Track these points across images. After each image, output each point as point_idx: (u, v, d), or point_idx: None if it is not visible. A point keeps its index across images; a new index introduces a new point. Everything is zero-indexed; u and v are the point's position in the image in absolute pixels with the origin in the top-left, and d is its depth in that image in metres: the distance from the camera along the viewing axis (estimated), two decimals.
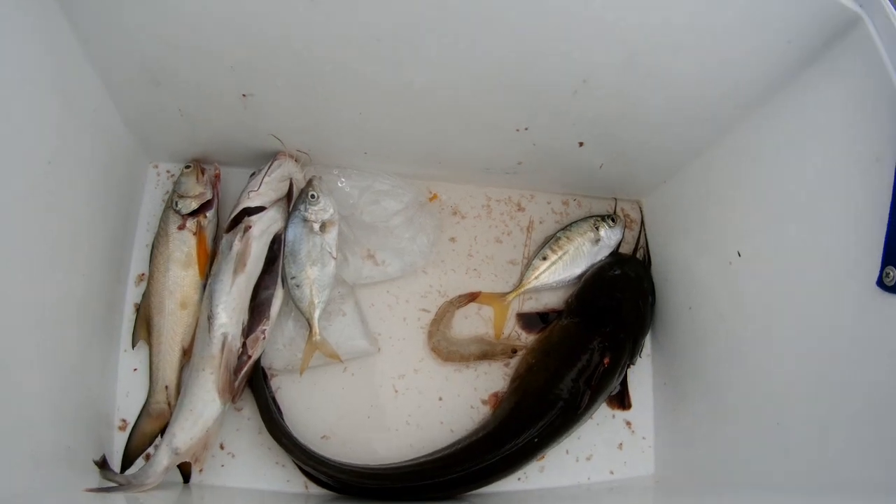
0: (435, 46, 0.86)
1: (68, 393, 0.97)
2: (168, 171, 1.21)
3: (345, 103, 1.00)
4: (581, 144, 1.06)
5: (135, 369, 1.13)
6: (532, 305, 1.17)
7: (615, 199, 1.22)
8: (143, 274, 1.17)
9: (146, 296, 1.13)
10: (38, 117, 0.85)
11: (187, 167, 1.15)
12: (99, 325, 1.08)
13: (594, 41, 0.84)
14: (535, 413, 1.05)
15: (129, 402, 1.12)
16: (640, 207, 1.23)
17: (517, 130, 1.03)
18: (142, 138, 1.15)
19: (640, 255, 1.19)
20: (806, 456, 0.84)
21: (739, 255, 0.98)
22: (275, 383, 1.10)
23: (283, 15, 0.82)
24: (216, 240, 1.15)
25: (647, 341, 1.17)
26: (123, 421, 1.11)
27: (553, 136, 1.05)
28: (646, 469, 1.15)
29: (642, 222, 1.21)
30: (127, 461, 1.09)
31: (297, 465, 1.06)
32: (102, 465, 1.03)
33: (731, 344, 1.01)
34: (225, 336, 1.04)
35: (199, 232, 1.11)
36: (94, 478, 1.01)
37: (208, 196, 1.13)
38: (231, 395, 1.04)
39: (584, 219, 1.19)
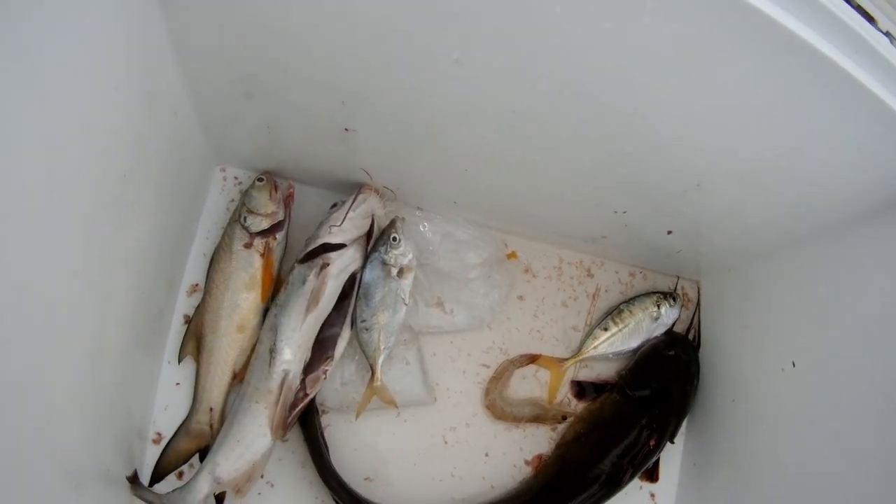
0: (567, 129, 0.88)
1: (106, 401, 0.97)
2: (236, 178, 1.18)
3: (454, 158, 1.00)
4: (669, 233, 1.10)
5: (177, 383, 1.13)
6: (586, 374, 1.22)
7: (678, 278, 1.28)
8: (196, 284, 1.15)
9: (200, 311, 1.12)
10: (121, 130, 0.82)
11: (260, 180, 1.12)
12: (145, 333, 1.07)
13: (720, 157, 0.88)
14: (578, 484, 1.12)
15: (166, 416, 1.12)
16: (699, 288, 1.28)
17: (615, 212, 1.06)
18: (213, 140, 1.11)
19: (691, 335, 1.26)
20: None
21: (794, 365, 1.04)
22: (325, 420, 1.12)
23: (424, 67, 0.81)
24: (282, 262, 1.14)
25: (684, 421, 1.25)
26: (158, 434, 1.12)
27: (646, 222, 1.08)
28: None
29: (698, 303, 1.27)
30: (157, 476, 1.09)
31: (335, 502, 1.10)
32: (134, 480, 1.03)
33: (767, 446, 1.08)
34: (286, 373, 1.04)
35: (267, 254, 1.09)
36: (125, 492, 1.01)
37: (280, 216, 1.11)
38: (283, 432, 1.05)
39: (647, 294, 1.24)
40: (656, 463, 1.22)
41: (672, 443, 1.19)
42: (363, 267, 1.09)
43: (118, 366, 0.98)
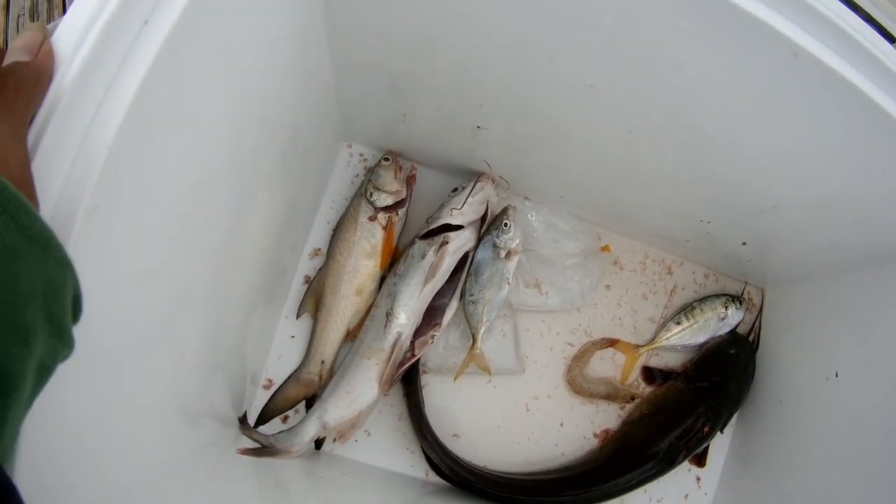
0: (672, 150, 1.11)
1: (227, 346, 1.15)
2: (361, 155, 1.45)
3: (570, 161, 1.25)
4: (744, 244, 1.38)
5: (292, 336, 1.39)
6: (656, 361, 1.52)
7: (745, 283, 1.58)
8: (318, 249, 1.42)
9: (321, 274, 1.37)
10: (285, 105, 1.04)
11: (386, 160, 1.37)
12: (268, 289, 1.30)
13: (797, 187, 1.11)
14: (637, 459, 1.40)
15: (278, 365, 1.38)
16: (763, 295, 1.57)
17: (701, 221, 1.33)
18: (344, 119, 1.36)
19: (752, 337, 1.56)
20: None
21: (837, 375, 1.29)
22: (423, 379, 1.40)
23: (562, 86, 1.04)
24: (401, 236, 1.40)
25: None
26: (269, 381, 1.37)
27: (726, 232, 1.35)
28: None
29: (761, 308, 1.56)
30: (263, 419, 1.35)
31: (424, 454, 1.39)
32: (244, 421, 1.25)
33: (804, 446, 1.33)
34: (399, 335, 1.29)
35: (389, 228, 1.36)
36: (234, 431, 1.25)
37: (403, 195, 1.37)
38: (389, 387, 1.31)
39: (717, 295, 1.53)
40: (706, 450, 1.52)
41: (721, 433, 1.53)
42: (476, 247, 1.37)
43: (241, 315, 1.19)
